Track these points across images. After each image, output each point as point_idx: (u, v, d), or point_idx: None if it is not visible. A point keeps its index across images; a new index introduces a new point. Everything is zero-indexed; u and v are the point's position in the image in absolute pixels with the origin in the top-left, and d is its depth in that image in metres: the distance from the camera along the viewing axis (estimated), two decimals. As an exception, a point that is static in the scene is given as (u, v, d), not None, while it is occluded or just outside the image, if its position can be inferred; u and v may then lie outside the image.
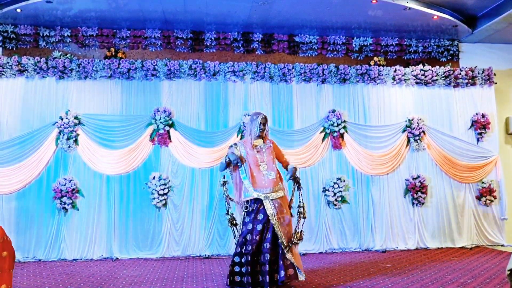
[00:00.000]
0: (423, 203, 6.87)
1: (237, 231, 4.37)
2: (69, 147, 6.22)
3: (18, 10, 6.18)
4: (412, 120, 6.95)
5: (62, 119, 6.22)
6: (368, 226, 6.72)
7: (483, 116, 7.09)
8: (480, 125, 7.08)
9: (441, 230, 6.89)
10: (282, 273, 4.09)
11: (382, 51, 7.40)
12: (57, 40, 6.75)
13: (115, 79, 6.49)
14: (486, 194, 6.99)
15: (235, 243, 4.34)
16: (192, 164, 6.45)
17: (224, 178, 4.48)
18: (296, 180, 4.46)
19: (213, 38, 7.00)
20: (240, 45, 7.09)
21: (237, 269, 4.11)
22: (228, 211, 4.41)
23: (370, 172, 6.80)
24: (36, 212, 6.13)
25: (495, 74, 7.26)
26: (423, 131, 6.96)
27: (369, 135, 6.91)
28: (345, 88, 6.97)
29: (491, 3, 6.56)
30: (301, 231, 4.32)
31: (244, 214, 4.27)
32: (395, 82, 7.05)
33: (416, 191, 6.84)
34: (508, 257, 5.75)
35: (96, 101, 6.44)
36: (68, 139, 6.21)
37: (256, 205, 4.21)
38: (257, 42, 7.13)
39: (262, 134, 4.40)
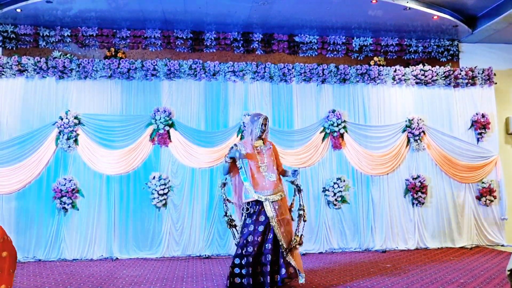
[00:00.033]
0: (423, 203, 6.87)
1: (237, 233, 4.37)
2: (69, 147, 6.22)
3: (18, 10, 6.18)
4: (412, 120, 6.95)
5: (62, 119, 6.22)
6: (368, 226, 6.72)
7: (483, 116, 7.09)
8: (480, 125, 7.08)
9: (441, 230, 6.89)
10: (284, 270, 4.10)
11: (382, 51, 7.40)
12: (57, 40, 6.74)
13: (115, 79, 6.49)
14: (486, 194, 6.99)
15: (235, 244, 4.34)
16: (192, 164, 6.45)
17: (225, 180, 4.47)
18: (296, 184, 4.45)
19: (213, 38, 6.99)
20: (240, 45, 7.09)
21: (237, 270, 4.09)
22: (226, 213, 4.39)
23: (370, 172, 6.80)
24: (36, 212, 6.13)
25: (495, 74, 7.26)
26: (423, 131, 6.96)
27: (369, 135, 6.91)
28: (345, 88, 6.97)
29: (491, 3, 6.56)
30: (301, 235, 4.31)
31: (245, 216, 4.25)
32: (395, 82, 7.05)
33: (416, 191, 6.84)
34: (508, 257, 5.75)
35: (96, 101, 6.44)
36: (68, 139, 6.21)
37: (257, 206, 4.20)
38: (257, 42, 7.12)
39: (262, 135, 4.40)
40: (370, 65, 7.06)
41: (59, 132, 6.22)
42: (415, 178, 6.87)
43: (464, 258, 5.98)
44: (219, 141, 6.51)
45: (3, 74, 6.28)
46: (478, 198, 7.03)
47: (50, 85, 6.38)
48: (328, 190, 6.65)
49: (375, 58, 7.23)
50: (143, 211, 6.32)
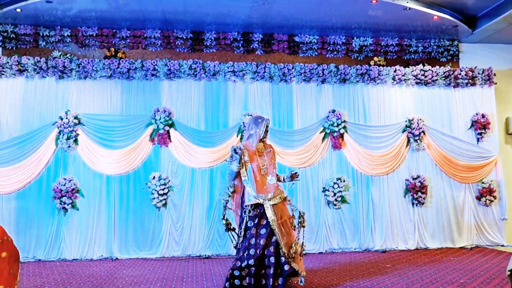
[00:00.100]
0: (423, 203, 6.87)
1: (236, 236, 4.35)
2: (69, 147, 6.22)
3: (18, 10, 6.18)
4: (412, 120, 6.95)
5: (62, 119, 6.22)
6: (368, 226, 6.72)
7: (483, 116, 7.09)
8: (480, 125, 7.08)
9: (441, 230, 6.90)
10: (287, 266, 4.08)
11: (382, 51, 7.40)
12: (57, 40, 6.74)
13: (115, 79, 6.49)
14: (486, 194, 6.99)
15: (234, 247, 4.35)
16: (192, 164, 6.45)
17: (234, 186, 4.40)
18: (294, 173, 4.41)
19: (213, 38, 6.99)
20: (240, 45, 7.09)
21: (237, 273, 4.06)
22: (224, 216, 4.40)
23: (370, 172, 6.80)
24: (36, 212, 6.13)
25: (495, 74, 7.26)
26: (423, 131, 6.95)
27: (369, 135, 6.91)
28: (345, 88, 6.97)
29: (491, 3, 6.56)
30: (302, 243, 4.29)
31: (247, 219, 4.23)
32: (395, 82, 7.05)
33: (416, 191, 6.83)
34: (508, 257, 5.75)
35: (96, 101, 6.44)
36: (68, 139, 6.21)
37: (259, 210, 4.19)
38: (257, 42, 7.12)
39: (266, 137, 4.42)
40: (370, 65, 7.06)
41: (59, 132, 6.21)
42: (415, 178, 6.87)
43: (464, 258, 5.98)
44: (219, 141, 6.51)
45: (3, 74, 6.28)
46: (478, 198, 7.03)
47: (50, 85, 6.38)
48: (328, 190, 6.64)
49: (375, 58, 7.23)
50: (143, 211, 6.32)
